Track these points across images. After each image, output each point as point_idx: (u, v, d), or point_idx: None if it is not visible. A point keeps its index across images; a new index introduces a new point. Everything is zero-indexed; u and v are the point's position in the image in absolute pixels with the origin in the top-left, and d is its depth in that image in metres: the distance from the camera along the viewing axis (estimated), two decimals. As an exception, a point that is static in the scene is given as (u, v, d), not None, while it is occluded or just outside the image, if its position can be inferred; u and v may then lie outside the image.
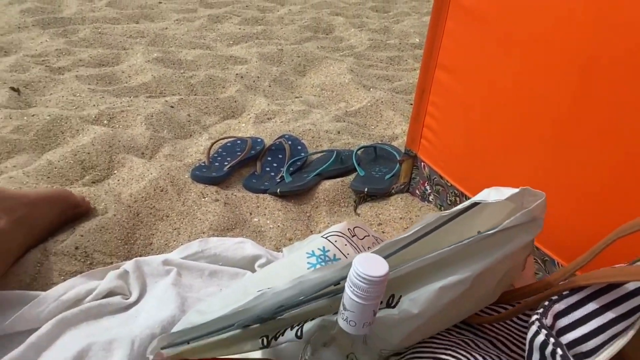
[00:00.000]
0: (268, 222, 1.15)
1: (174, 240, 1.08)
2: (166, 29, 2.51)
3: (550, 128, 0.86)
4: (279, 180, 1.29)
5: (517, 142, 0.94)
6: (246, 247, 1.01)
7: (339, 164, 1.36)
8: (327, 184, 1.29)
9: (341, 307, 0.47)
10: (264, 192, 1.24)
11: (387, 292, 0.54)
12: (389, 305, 0.54)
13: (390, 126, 1.74)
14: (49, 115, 1.49)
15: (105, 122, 1.53)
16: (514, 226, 0.50)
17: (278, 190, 1.21)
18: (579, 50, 0.78)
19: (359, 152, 1.41)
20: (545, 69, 0.85)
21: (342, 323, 0.47)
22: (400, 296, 0.53)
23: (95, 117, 1.54)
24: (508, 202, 0.52)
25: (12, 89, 1.66)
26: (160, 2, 3.02)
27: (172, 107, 1.67)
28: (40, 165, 1.27)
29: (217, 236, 1.09)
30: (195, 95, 1.82)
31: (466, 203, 0.54)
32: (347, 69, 2.11)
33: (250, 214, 1.18)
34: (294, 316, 0.57)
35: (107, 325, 0.85)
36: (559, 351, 0.44)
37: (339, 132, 1.59)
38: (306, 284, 0.55)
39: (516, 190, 0.52)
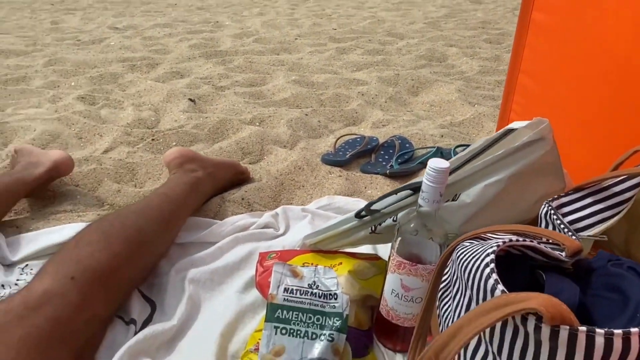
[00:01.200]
0: (379, 193, 1.48)
1: (308, 202, 1.45)
2: (301, 58, 3.00)
3: (617, 118, 1.10)
4: (389, 167, 1.61)
5: (590, 133, 1.18)
6: (362, 204, 1.34)
7: (439, 156, 1.65)
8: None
9: (421, 192, 0.78)
10: (376, 174, 1.58)
11: (451, 192, 0.84)
12: (453, 200, 0.83)
13: (490, 134, 1.99)
14: (217, 118, 1.97)
15: (257, 123, 1.99)
16: (530, 142, 0.77)
17: (387, 172, 1.54)
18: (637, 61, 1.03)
19: (457, 148, 1.70)
20: (605, 74, 1.09)
21: (421, 201, 0.78)
22: (460, 194, 0.82)
23: (250, 120, 2.00)
24: (528, 130, 0.79)
25: (190, 99, 2.19)
26: (296, 39, 3.55)
27: (306, 115, 2.08)
28: (214, 150, 1.73)
29: (340, 200, 1.44)
30: (324, 107, 2.22)
31: (502, 130, 0.82)
32: (456, 89, 2.40)
33: (365, 187, 1.51)
34: (392, 210, 0.89)
35: (264, 245, 1.23)
36: (554, 215, 0.72)
37: (442, 136, 1.88)
38: (401, 188, 0.87)
39: (532, 121, 0.80)
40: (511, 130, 0.82)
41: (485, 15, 4.77)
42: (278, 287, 0.86)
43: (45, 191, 1.40)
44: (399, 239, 0.81)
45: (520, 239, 0.62)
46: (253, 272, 1.07)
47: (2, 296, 0.99)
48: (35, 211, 1.34)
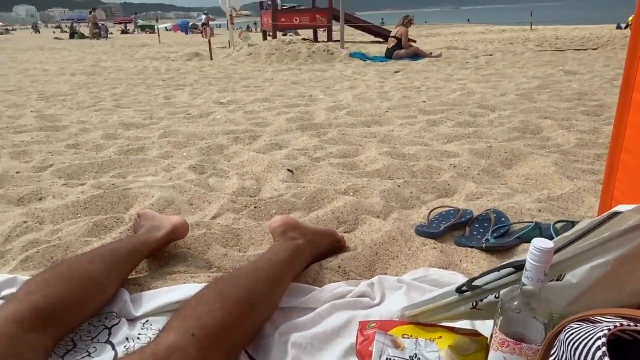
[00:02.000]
0: (475, 267, 1.48)
1: (402, 273, 1.48)
2: (392, 131, 3.10)
3: None
4: (484, 241, 1.61)
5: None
6: (458, 277, 1.35)
7: (537, 233, 1.62)
8: (524, 245, 1.57)
9: (524, 271, 0.80)
10: (471, 247, 1.58)
11: (555, 272, 0.84)
12: (557, 280, 0.83)
13: (591, 210, 1.92)
14: (314, 187, 2.09)
15: (351, 193, 2.07)
16: (637, 225, 0.77)
17: (484, 245, 1.54)
18: None
19: (556, 224, 1.66)
20: None
21: (524, 279, 0.80)
22: (565, 274, 0.82)
23: (344, 190, 2.09)
24: (635, 213, 0.79)
25: (289, 170, 2.34)
26: (387, 111, 3.69)
27: (398, 186, 2.14)
28: (311, 218, 1.82)
29: (434, 273, 1.45)
30: (415, 179, 2.27)
31: (607, 213, 0.82)
32: (552, 162, 2.36)
33: (460, 260, 1.52)
34: (494, 287, 0.90)
35: (361, 313, 1.26)
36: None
37: (539, 211, 1.85)
38: (504, 266, 0.89)
39: (638, 205, 0.79)
40: (617, 213, 0.83)
41: (580, 86, 4.67)
42: (380, 356, 0.89)
43: (163, 252, 1.55)
44: (502, 316, 0.82)
45: (632, 323, 0.62)
46: (352, 339, 1.11)
47: (127, 347, 1.10)
48: (154, 270, 1.48)
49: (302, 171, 2.38)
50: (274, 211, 1.91)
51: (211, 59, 9.91)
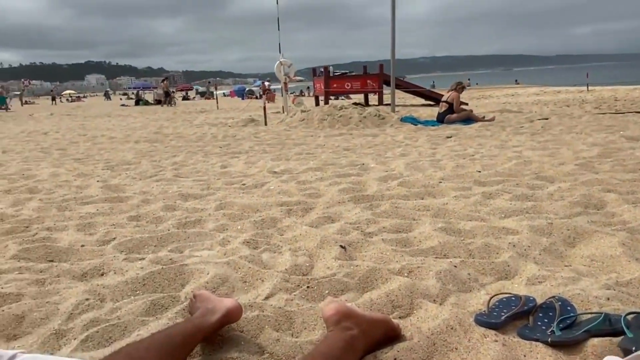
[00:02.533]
0: (540, 364, 1.38)
1: (462, 367, 1.40)
2: (446, 204, 3.05)
3: None
4: (549, 333, 1.52)
5: None
6: (522, 378, 1.26)
7: (607, 325, 1.51)
8: (594, 340, 1.46)
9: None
10: (536, 340, 1.49)
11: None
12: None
13: (666, 298, 1.78)
14: (367, 267, 2.06)
15: (405, 274, 2.02)
16: None
17: (549, 340, 1.45)
18: None
19: (628, 316, 1.54)
20: None
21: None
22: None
23: (398, 270, 2.05)
24: None
25: (341, 246, 2.33)
26: (440, 182, 3.65)
27: (455, 266, 2.08)
28: (364, 301, 1.79)
29: (497, 369, 1.37)
30: (473, 258, 2.20)
31: None
32: (619, 242, 2.23)
33: (524, 355, 1.43)
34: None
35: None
36: None
37: (608, 299, 1.73)
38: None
39: None
40: None
41: (644, 153, 4.49)
42: None
43: (216, 336, 1.55)
44: None
45: None
46: None
47: None
48: (206, 355, 1.47)
49: (354, 247, 2.36)
50: (327, 292, 1.89)
51: (265, 124, 10.26)
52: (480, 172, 3.97)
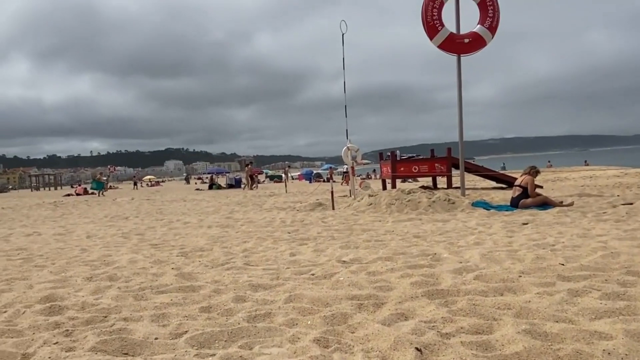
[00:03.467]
0: None
1: None
2: (529, 302, 2.85)
3: None
4: None
5: None
6: None
7: None
8: None
9: None
10: None
11: None
12: None
13: None
14: (446, 374, 1.91)
15: (489, 385, 1.86)
16: None
17: None
18: None
19: None
20: None
21: None
22: None
23: (480, 380, 1.89)
24: None
25: (417, 349, 2.20)
26: (520, 276, 3.45)
27: (544, 378, 1.89)
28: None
29: None
30: (564, 368, 2.00)
31: None
32: None
33: None
34: None
35: None
36: None
37: None
38: None
39: None
40: None
41: None
42: None
43: None
44: None
45: None
46: None
47: None
48: None
49: (431, 350, 2.22)
50: (404, 403, 1.76)
51: (333, 208, 10.33)
52: (563, 265, 3.72)
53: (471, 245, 4.91)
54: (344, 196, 13.58)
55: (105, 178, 32.72)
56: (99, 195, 24.61)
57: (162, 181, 68.27)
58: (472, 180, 18.78)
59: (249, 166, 27.54)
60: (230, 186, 29.14)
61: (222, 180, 34.25)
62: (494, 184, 16.58)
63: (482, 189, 15.12)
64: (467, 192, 11.18)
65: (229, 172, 49.13)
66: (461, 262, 3.99)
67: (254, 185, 25.07)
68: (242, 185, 25.58)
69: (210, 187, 28.53)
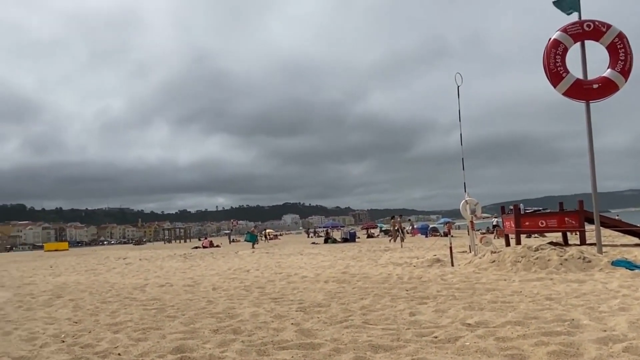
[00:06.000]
0: None
1: None
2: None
3: None
4: None
5: None
6: None
7: None
8: None
9: None
10: None
11: None
12: None
13: None
14: None
15: None
16: None
17: None
18: None
19: None
20: None
21: None
22: None
23: None
24: None
25: None
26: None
27: None
28: None
29: None
30: None
31: None
32: None
33: None
34: None
35: None
36: None
37: None
38: None
39: None
40: None
41: None
42: None
43: None
44: None
45: None
46: None
47: None
48: None
49: None
50: None
51: (452, 265, 9.89)
52: None
53: (616, 311, 4.36)
54: (463, 252, 12.97)
55: (257, 231, 34.09)
56: (252, 248, 25.34)
57: (280, 234, 70.80)
58: (609, 235, 17.00)
59: (396, 219, 25.93)
60: (345, 240, 29.27)
61: (337, 234, 34.61)
62: (636, 240, 14.85)
63: (622, 245, 13.60)
64: (604, 249, 10.12)
65: (343, 226, 49.63)
66: (605, 331, 3.55)
67: (401, 238, 23.98)
68: (389, 238, 24.26)
69: (326, 241, 28.93)
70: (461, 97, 12.05)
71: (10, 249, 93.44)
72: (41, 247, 74.38)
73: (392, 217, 26.40)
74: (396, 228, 24.09)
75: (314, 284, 7.85)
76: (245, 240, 29.60)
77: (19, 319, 5.75)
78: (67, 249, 51.76)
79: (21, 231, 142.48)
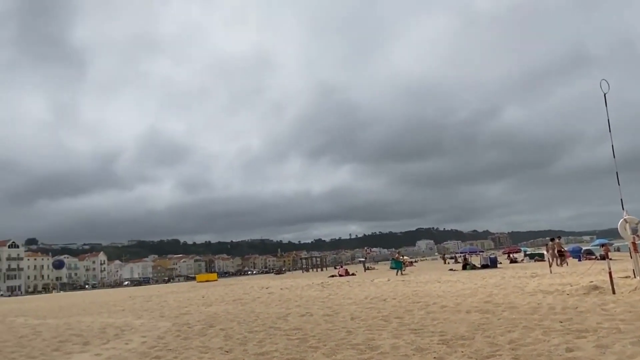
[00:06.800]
0: None
1: None
2: None
3: None
4: None
5: None
6: None
7: None
8: None
9: None
10: None
11: None
12: None
13: None
14: None
15: None
16: None
17: None
18: None
19: None
20: None
21: None
22: None
23: None
24: None
25: None
26: None
27: None
28: None
29: None
30: None
31: None
32: None
33: None
34: None
35: None
36: None
37: None
38: None
39: None
40: None
41: None
42: None
43: None
44: None
45: None
46: None
47: None
48: None
49: None
50: None
51: (613, 292, 8.84)
52: None
53: None
54: (626, 277, 11.54)
55: (402, 258, 33.92)
56: (397, 275, 25.17)
57: (415, 261, 69.43)
58: None
59: (556, 240, 23.89)
60: (484, 266, 27.75)
61: (475, 260, 32.96)
62: None
63: None
64: None
65: (482, 251, 47.11)
66: None
67: (563, 262, 22.02)
68: (549, 263, 22.23)
69: (464, 267, 27.68)
70: (610, 105, 10.94)
71: (168, 281, 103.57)
72: (194, 278, 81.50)
73: (552, 239, 24.07)
74: (555, 251, 21.97)
75: (455, 314, 7.51)
76: (390, 268, 29.34)
77: (177, 347, 6.30)
78: (217, 280, 55.97)
79: (176, 264, 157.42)
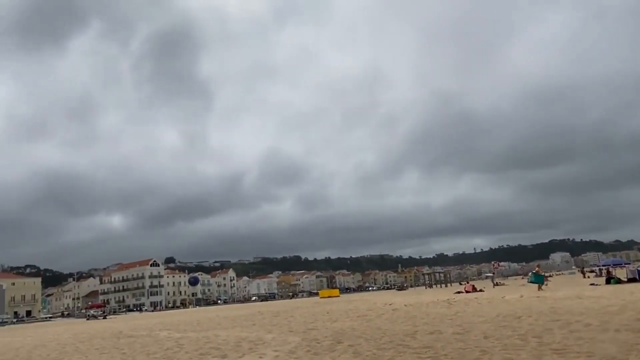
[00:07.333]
0: None
1: None
2: None
3: None
4: None
5: None
6: None
7: None
8: None
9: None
10: None
11: None
12: None
13: None
14: None
15: None
16: None
17: None
18: None
19: None
20: None
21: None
22: None
23: None
24: None
25: None
26: None
27: None
28: None
29: None
30: None
31: None
32: None
33: None
34: None
35: None
36: None
37: None
38: None
39: None
40: None
41: None
42: None
43: None
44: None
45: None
46: None
47: None
48: None
49: None
50: None
51: None
52: None
53: None
54: None
55: (543, 272, 31.75)
56: (539, 289, 23.50)
57: (550, 275, 64.35)
58: None
59: None
60: (631, 280, 24.81)
61: (621, 273, 29.67)
62: None
63: None
64: None
65: (629, 263, 42.29)
66: None
67: None
68: None
69: (608, 282, 25.04)
70: None
71: (293, 296, 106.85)
72: (316, 294, 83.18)
73: None
74: None
75: (602, 333, 6.82)
76: (529, 282, 27.37)
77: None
78: (339, 295, 56.61)
79: (299, 280, 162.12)
